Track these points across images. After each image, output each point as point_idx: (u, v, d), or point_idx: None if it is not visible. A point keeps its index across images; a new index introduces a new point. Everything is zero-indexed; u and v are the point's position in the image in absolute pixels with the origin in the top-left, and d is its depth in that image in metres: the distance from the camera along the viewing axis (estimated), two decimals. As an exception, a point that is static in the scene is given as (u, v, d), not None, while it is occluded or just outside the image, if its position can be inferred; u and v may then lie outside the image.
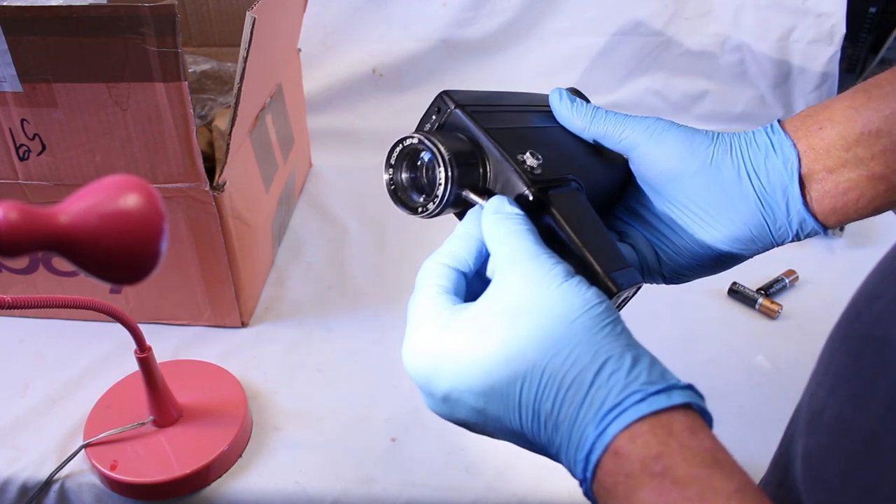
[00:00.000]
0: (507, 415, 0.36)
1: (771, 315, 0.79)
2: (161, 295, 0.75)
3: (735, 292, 0.81)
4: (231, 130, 0.66)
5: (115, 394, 0.67)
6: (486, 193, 0.43)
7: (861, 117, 0.44)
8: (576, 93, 0.51)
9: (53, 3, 0.62)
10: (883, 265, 0.32)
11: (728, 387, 0.71)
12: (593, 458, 0.33)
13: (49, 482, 0.61)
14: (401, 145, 0.43)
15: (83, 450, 0.62)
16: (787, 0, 1.07)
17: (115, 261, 0.32)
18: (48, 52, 0.60)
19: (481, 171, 0.43)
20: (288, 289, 0.84)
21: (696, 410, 0.34)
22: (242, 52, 0.63)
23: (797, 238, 0.47)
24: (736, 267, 0.50)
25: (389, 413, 0.68)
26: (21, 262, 0.75)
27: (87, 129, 0.64)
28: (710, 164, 0.46)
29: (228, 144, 0.67)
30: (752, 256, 0.49)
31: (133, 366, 0.60)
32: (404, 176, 0.44)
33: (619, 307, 0.45)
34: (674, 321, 0.78)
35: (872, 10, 1.10)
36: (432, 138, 0.42)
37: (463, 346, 0.36)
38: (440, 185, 0.41)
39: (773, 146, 0.46)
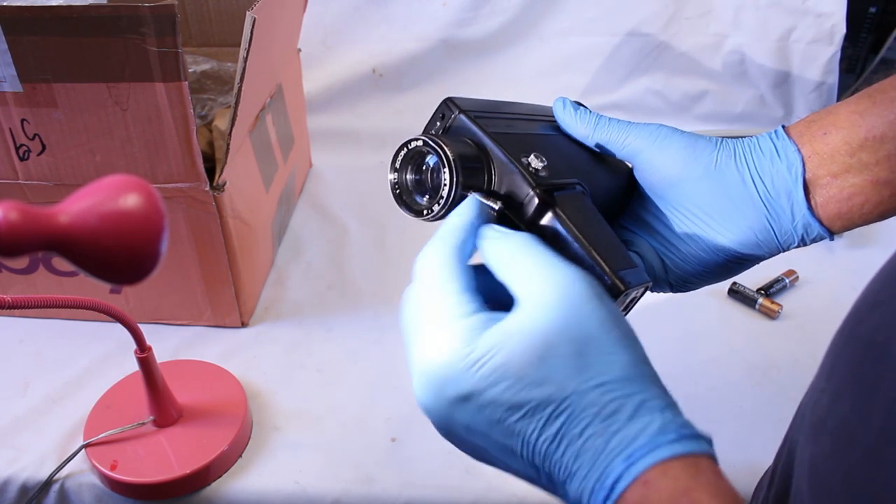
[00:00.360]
0: (524, 431, 0.36)
1: (771, 315, 0.79)
2: (161, 295, 0.75)
3: (735, 292, 0.81)
4: (231, 130, 0.66)
5: (115, 394, 0.67)
6: (492, 196, 0.43)
7: (865, 122, 0.44)
8: (579, 104, 0.51)
9: (53, 3, 0.62)
10: (886, 271, 0.32)
11: (728, 387, 0.71)
12: (620, 487, 0.33)
13: (49, 482, 0.61)
14: (405, 148, 0.43)
15: (83, 450, 0.62)
16: (787, 0, 1.07)
17: (115, 261, 0.32)
18: (48, 52, 0.60)
19: (486, 174, 0.43)
20: (288, 289, 0.84)
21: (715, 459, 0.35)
22: (242, 52, 0.63)
23: (803, 243, 0.47)
24: (737, 266, 0.50)
25: (389, 413, 0.68)
26: (21, 262, 0.75)
27: (87, 129, 0.64)
28: (714, 169, 0.46)
29: (228, 144, 0.67)
30: (757, 262, 0.49)
31: (133, 366, 0.60)
32: (409, 178, 0.44)
33: (628, 307, 0.45)
34: (674, 321, 0.78)
35: (872, 10, 1.10)
36: (437, 140, 0.42)
37: (500, 357, 0.35)
38: (445, 186, 0.41)
39: (777, 151, 0.46)
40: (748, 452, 0.63)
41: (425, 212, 0.43)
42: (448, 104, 0.45)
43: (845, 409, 0.30)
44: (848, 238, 0.90)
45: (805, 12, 1.07)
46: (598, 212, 0.46)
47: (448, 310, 0.37)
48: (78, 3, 0.59)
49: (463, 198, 0.42)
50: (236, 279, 0.74)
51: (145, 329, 0.59)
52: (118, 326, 0.57)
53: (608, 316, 0.36)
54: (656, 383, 0.36)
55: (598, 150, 0.49)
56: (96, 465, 0.60)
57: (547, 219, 0.42)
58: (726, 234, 0.47)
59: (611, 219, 0.52)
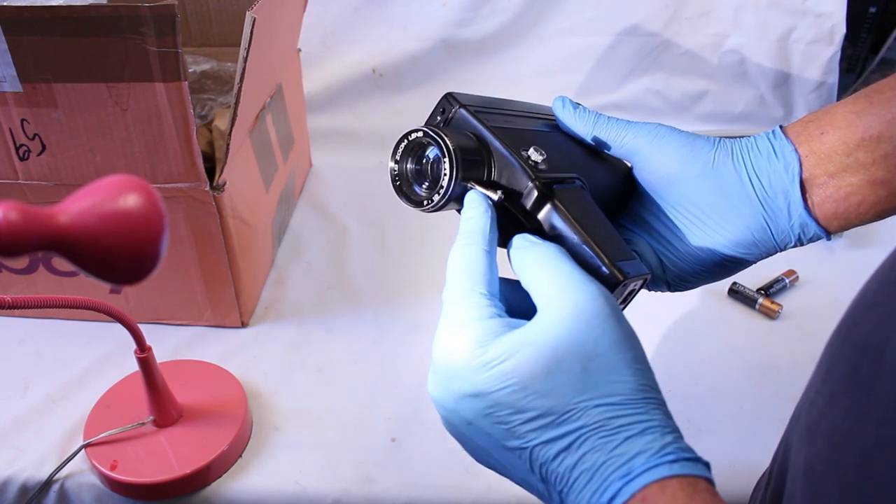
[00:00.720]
0: (525, 435, 0.37)
1: (771, 315, 0.79)
2: (161, 295, 0.75)
3: (735, 292, 0.81)
4: (231, 130, 0.66)
5: (115, 394, 0.67)
6: (492, 187, 0.43)
7: (862, 122, 0.44)
8: (578, 104, 0.51)
9: (53, 3, 0.62)
10: (881, 273, 0.32)
11: (728, 387, 0.71)
12: (618, 503, 0.34)
13: (49, 482, 0.61)
14: (406, 139, 0.43)
15: (83, 450, 0.62)
16: (787, 0, 1.07)
17: (115, 261, 0.32)
18: (48, 52, 0.60)
19: (486, 166, 0.43)
20: (288, 289, 0.84)
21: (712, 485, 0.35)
22: (242, 52, 0.63)
23: (800, 242, 0.47)
24: (737, 266, 0.50)
25: (389, 413, 0.68)
26: (21, 262, 0.75)
27: (87, 129, 0.64)
28: (712, 168, 0.46)
29: (228, 144, 0.67)
30: (755, 262, 0.49)
31: (133, 366, 0.60)
32: (409, 168, 0.44)
33: (627, 300, 0.45)
34: (674, 321, 0.78)
35: (872, 10, 1.10)
36: (438, 131, 0.42)
37: (510, 362, 0.36)
38: (445, 175, 0.42)
39: (774, 151, 0.46)
40: (748, 452, 0.63)
41: (425, 202, 0.43)
42: (448, 99, 0.46)
43: (840, 411, 0.30)
44: (848, 238, 0.90)
45: (805, 12, 1.07)
46: (598, 206, 0.46)
47: (468, 311, 0.38)
48: (78, 3, 0.59)
49: (462, 188, 0.42)
50: (236, 279, 0.74)
51: (145, 329, 0.59)
52: (118, 326, 0.57)
53: (622, 336, 0.37)
54: (661, 409, 0.37)
55: (596, 147, 0.50)
56: (96, 465, 0.60)
57: (545, 211, 0.43)
58: (723, 233, 0.47)
59: (610, 217, 0.52)
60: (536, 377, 0.36)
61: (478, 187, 0.42)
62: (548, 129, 0.49)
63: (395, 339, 0.77)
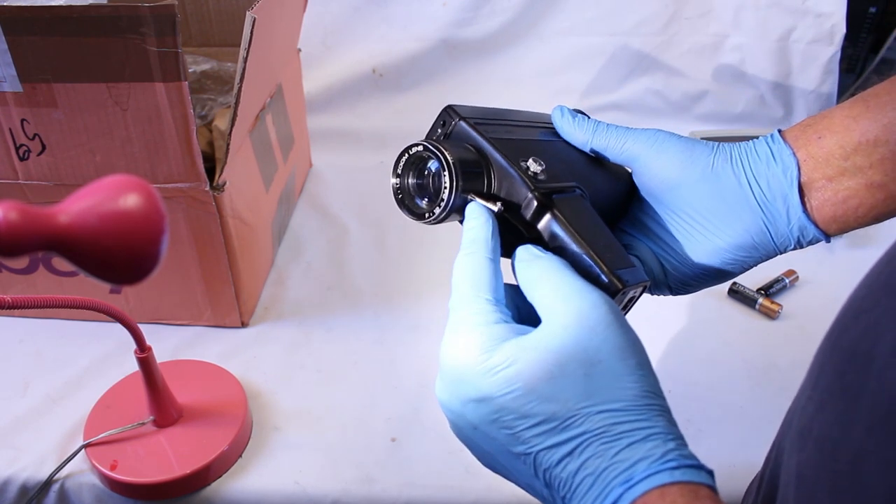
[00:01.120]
0: (529, 440, 0.37)
1: (771, 315, 0.79)
2: (161, 295, 0.75)
3: (735, 292, 0.81)
4: (231, 130, 0.66)
5: (115, 394, 0.67)
6: (492, 199, 0.43)
7: (859, 126, 0.44)
8: (577, 112, 0.52)
9: (53, 3, 0.62)
10: (869, 279, 0.32)
11: (728, 387, 0.71)
12: None
13: (49, 482, 0.61)
14: (407, 153, 0.44)
15: (83, 450, 0.62)
16: (787, 0, 1.07)
17: (115, 261, 0.32)
18: (48, 52, 0.60)
19: (486, 177, 0.44)
20: (288, 289, 0.84)
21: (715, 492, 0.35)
22: (242, 52, 0.63)
23: (799, 245, 0.48)
24: (736, 267, 0.50)
25: (389, 413, 0.68)
26: (21, 262, 0.75)
27: (87, 129, 0.64)
28: (711, 173, 0.47)
29: (228, 144, 0.67)
30: (755, 265, 0.49)
31: (133, 366, 0.60)
32: (411, 183, 0.45)
33: (627, 307, 0.45)
34: (674, 321, 0.78)
35: (872, 10, 1.10)
36: (437, 145, 0.43)
37: (514, 368, 0.37)
38: (446, 189, 0.42)
39: (773, 155, 0.46)
40: (748, 452, 0.63)
41: (426, 215, 0.44)
42: (449, 111, 0.47)
43: (830, 417, 0.31)
44: (848, 238, 0.90)
45: (805, 12, 1.07)
46: (597, 214, 0.46)
47: (474, 317, 0.39)
48: (78, 3, 0.59)
49: (463, 201, 0.43)
50: (236, 279, 0.74)
51: (145, 329, 0.59)
52: (118, 326, 0.57)
53: (625, 343, 0.37)
54: (664, 416, 0.37)
55: (596, 155, 0.50)
56: (96, 465, 0.60)
57: (545, 221, 0.43)
58: (723, 236, 0.47)
59: (610, 223, 0.52)
60: (540, 382, 0.36)
61: (478, 199, 0.43)
62: (548, 138, 0.50)
63: (395, 339, 0.77)
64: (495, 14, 1.13)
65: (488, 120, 0.47)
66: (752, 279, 0.81)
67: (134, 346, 0.58)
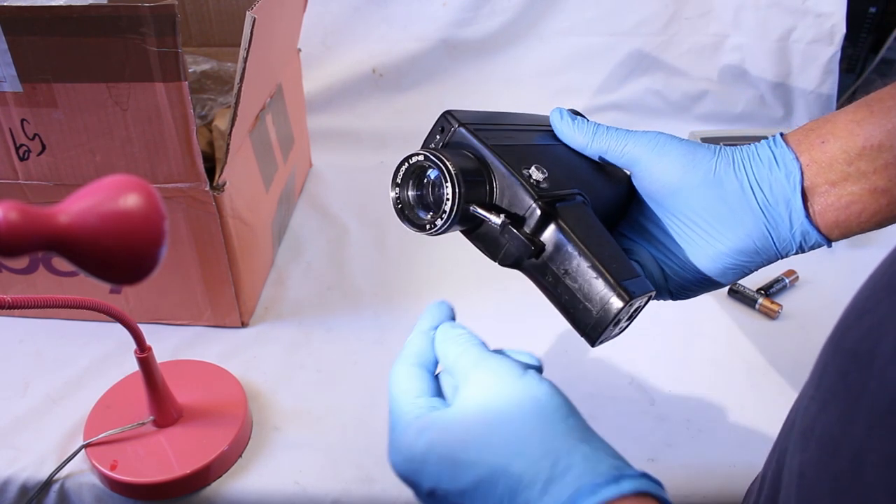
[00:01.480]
0: None
1: (771, 315, 0.79)
2: (161, 295, 0.75)
3: (735, 292, 0.81)
4: (231, 130, 0.66)
5: (115, 394, 0.67)
6: (494, 209, 0.43)
7: (863, 131, 0.44)
8: (576, 113, 0.51)
9: (53, 3, 0.62)
10: (873, 280, 0.32)
11: (728, 387, 0.71)
12: None
13: (49, 482, 0.61)
14: (407, 163, 0.43)
15: (83, 450, 0.62)
16: (787, 0, 1.07)
17: (115, 261, 0.32)
18: (48, 52, 0.60)
19: (488, 186, 0.43)
20: (288, 289, 0.84)
21: (652, 494, 0.35)
22: (242, 52, 0.63)
23: (801, 250, 0.47)
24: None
25: (389, 413, 0.68)
26: (21, 262, 0.75)
27: (87, 129, 0.64)
28: (713, 177, 0.46)
29: (228, 144, 0.67)
30: (756, 269, 0.49)
31: (133, 366, 0.60)
32: (411, 194, 0.44)
33: (632, 317, 0.45)
34: (674, 321, 0.78)
35: (872, 10, 1.10)
36: (439, 154, 0.42)
37: (435, 452, 0.38)
38: (447, 200, 0.41)
39: (775, 159, 0.46)
40: (748, 452, 0.63)
41: (428, 226, 0.43)
42: (447, 117, 0.46)
43: (832, 416, 0.31)
44: (848, 238, 0.89)
45: (805, 12, 1.07)
46: (599, 221, 0.46)
47: (400, 416, 0.41)
48: (78, 3, 0.59)
49: (465, 211, 0.42)
50: (236, 279, 0.74)
51: (145, 329, 0.59)
52: (118, 326, 0.57)
53: (523, 391, 0.38)
54: (573, 435, 0.36)
55: (596, 159, 0.49)
56: (96, 465, 0.60)
57: (550, 230, 0.42)
58: (725, 241, 0.47)
59: (611, 226, 0.52)
60: (457, 453, 0.37)
61: (480, 210, 0.42)
62: (547, 142, 0.49)
63: (395, 339, 0.77)
64: (495, 14, 1.13)
65: (487, 125, 0.46)
66: (752, 279, 0.81)
67: (134, 346, 0.58)
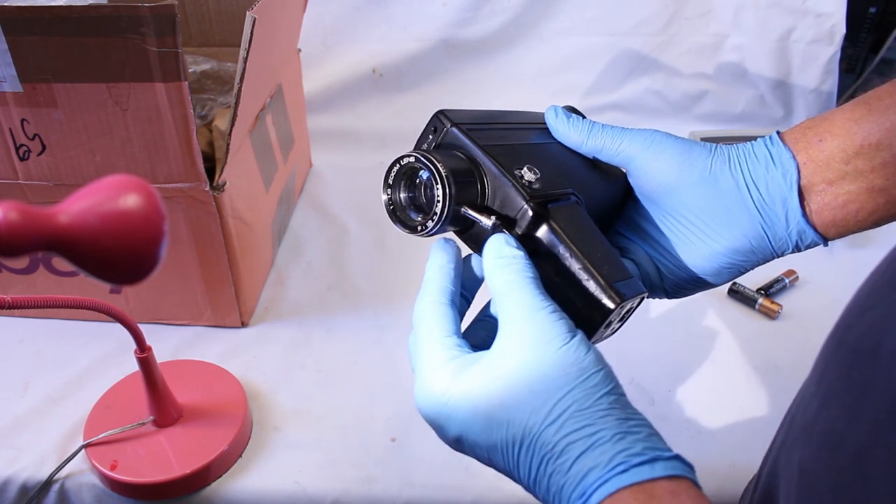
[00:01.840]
0: (508, 469, 0.38)
1: (771, 315, 0.79)
2: (161, 295, 0.75)
3: (735, 292, 0.81)
4: (231, 130, 0.66)
5: (115, 394, 0.67)
6: (486, 210, 0.43)
7: (861, 130, 0.44)
8: (572, 110, 0.51)
9: (53, 3, 0.62)
10: (874, 277, 0.32)
11: (728, 387, 0.71)
12: None
13: (49, 482, 0.61)
14: (398, 164, 0.43)
15: (83, 450, 0.62)
16: (787, 0, 1.07)
17: (115, 261, 0.32)
18: (48, 52, 0.60)
19: (479, 187, 0.43)
20: (288, 289, 0.84)
21: (683, 476, 0.35)
22: (242, 52, 0.63)
23: (797, 249, 0.47)
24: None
25: (389, 413, 0.68)
26: (21, 262, 0.75)
27: (87, 129, 0.64)
28: (709, 176, 0.46)
29: (228, 144, 0.67)
30: (752, 268, 0.49)
31: (133, 366, 0.60)
32: (402, 195, 0.44)
33: (624, 318, 0.45)
34: (674, 321, 0.78)
35: (872, 10, 1.10)
36: (429, 156, 0.42)
37: (470, 402, 0.38)
38: (438, 202, 0.41)
39: (772, 158, 0.46)
40: (748, 452, 0.63)
41: (419, 228, 0.43)
42: (440, 117, 0.45)
43: (835, 412, 0.30)
44: (847, 238, 0.89)
45: (805, 12, 1.07)
46: (593, 221, 0.45)
47: (431, 356, 0.40)
48: (78, 3, 0.59)
49: (456, 213, 0.42)
50: (236, 279, 0.74)
51: (145, 329, 0.59)
52: (118, 326, 0.57)
53: (569, 357, 0.38)
54: (613, 412, 0.36)
55: (591, 157, 0.49)
56: (96, 465, 0.60)
57: (542, 232, 0.42)
58: (720, 240, 0.47)
59: (606, 226, 0.52)
60: (495, 408, 0.37)
61: (471, 212, 0.42)
62: (542, 140, 0.49)
63: (395, 339, 0.77)
64: (495, 14, 1.13)
65: (481, 125, 0.46)
66: (752, 279, 0.81)
67: (134, 346, 0.58)
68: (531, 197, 0.42)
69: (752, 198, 0.46)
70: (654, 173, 0.47)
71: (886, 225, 0.47)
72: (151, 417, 0.62)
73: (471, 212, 0.42)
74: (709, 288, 0.50)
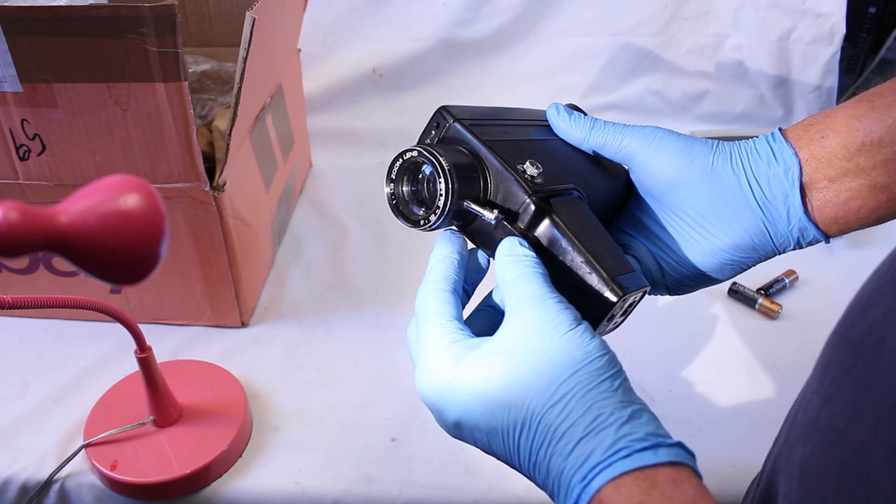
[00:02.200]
0: (507, 453, 0.38)
1: (771, 315, 0.79)
2: (161, 295, 0.75)
3: (735, 292, 0.81)
4: (231, 130, 0.66)
5: (115, 394, 0.67)
6: (488, 204, 0.43)
7: (863, 127, 0.44)
8: (574, 107, 0.51)
9: (53, 3, 0.62)
10: (877, 274, 0.32)
11: (728, 387, 0.71)
12: None
13: (49, 482, 0.61)
14: (401, 159, 0.43)
15: (83, 450, 0.62)
16: (787, 0, 1.07)
17: (115, 261, 0.32)
18: (48, 52, 0.60)
19: (482, 182, 0.43)
20: (288, 289, 0.84)
21: (684, 464, 0.35)
22: (242, 52, 0.63)
23: (799, 246, 0.47)
24: (736, 266, 0.50)
25: (389, 413, 0.68)
26: (21, 262, 0.75)
27: (87, 129, 0.64)
28: (711, 172, 0.46)
29: (228, 144, 0.67)
30: (753, 265, 0.49)
31: (133, 366, 0.60)
32: (405, 189, 0.44)
33: (627, 312, 0.45)
34: (674, 321, 0.78)
35: (872, 10, 1.10)
36: (432, 150, 0.42)
37: (472, 385, 0.38)
38: (441, 196, 0.41)
39: (774, 154, 0.46)
40: (747, 452, 0.63)
41: (422, 222, 0.43)
42: (442, 112, 0.45)
43: (837, 409, 0.31)
44: (848, 238, 0.90)
45: (805, 12, 1.07)
46: (595, 216, 0.45)
47: (434, 340, 0.40)
48: (78, 3, 0.59)
49: (459, 207, 0.42)
50: (236, 279, 0.74)
51: (145, 329, 0.59)
52: (118, 326, 0.57)
53: (574, 341, 0.38)
54: (616, 396, 0.37)
55: (593, 154, 0.49)
56: (96, 465, 0.60)
57: (544, 226, 0.42)
58: (722, 237, 0.47)
59: (608, 222, 0.52)
60: (498, 391, 0.37)
61: (474, 206, 0.42)
62: (544, 137, 0.49)
63: (395, 339, 0.77)
64: (495, 14, 1.13)
65: (483, 120, 0.46)
66: (752, 279, 0.81)
67: (134, 346, 0.58)
68: (533, 191, 0.42)
69: (753, 194, 0.46)
70: (655, 170, 0.47)
71: (887, 225, 0.47)
72: (151, 417, 0.62)
73: (473, 206, 0.42)
74: (711, 284, 0.50)
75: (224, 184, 0.68)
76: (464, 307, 0.45)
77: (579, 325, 0.38)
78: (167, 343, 0.74)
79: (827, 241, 0.47)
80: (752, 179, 0.46)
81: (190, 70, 0.87)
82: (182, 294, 0.75)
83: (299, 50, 0.99)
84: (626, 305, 0.43)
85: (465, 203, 0.42)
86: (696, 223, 0.47)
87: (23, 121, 0.64)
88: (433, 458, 0.64)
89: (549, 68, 1.16)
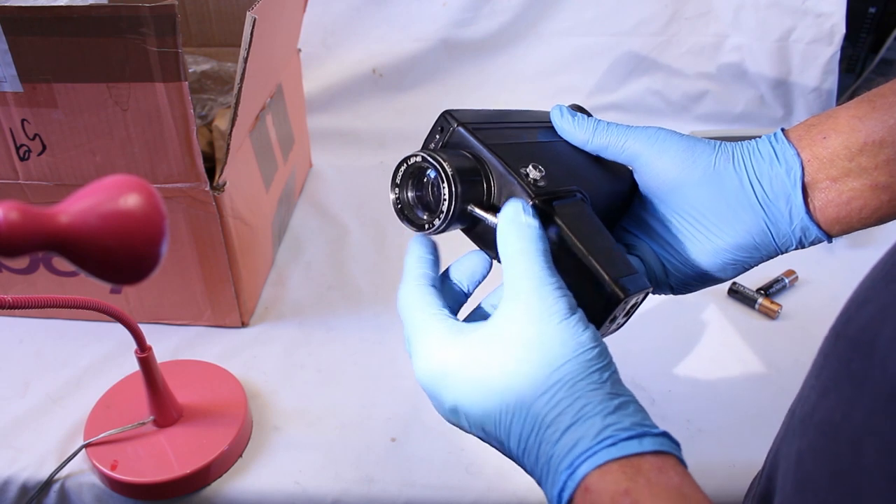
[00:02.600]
0: (499, 439, 0.38)
1: (771, 315, 0.79)
2: (161, 295, 0.75)
3: (735, 292, 0.81)
4: (231, 130, 0.66)
5: (115, 394, 0.67)
6: (492, 208, 0.43)
7: (865, 127, 0.44)
8: (578, 108, 0.51)
9: (53, 3, 0.62)
10: (874, 271, 0.32)
11: (728, 387, 0.71)
12: (565, 496, 0.35)
13: (49, 482, 0.61)
14: (405, 164, 0.44)
15: (83, 450, 0.62)
16: (787, 0, 1.07)
17: (115, 261, 0.32)
18: (48, 52, 0.60)
19: (485, 186, 0.44)
20: (288, 289, 0.84)
21: (669, 453, 0.36)
22: (242, 52, 0.63)
23: (801, 246, 0.48)
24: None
25: (389, 413, 0.68)
26: (21, 262, 0.75)
27: (87, 129, 0.64)
28: (713, 173, 0.47)
29: (228, 144, 0.67)
30: (756, 265, 0.49)
31: (133, 366, 0.60)
32: (410, 194, 0.45)
33: (629, 313, 0.45)
34: (674, 321, 0.78)
35: (872, 10, 1.10)
36: (435, 155, 0.42)
37: (466, 370, 0.39)
38: (445, 200, 0.42)
39: (776, 155, 0.46)
40: (747, 452, 0.63)
41: (426, 226, 0.44)
42: (446, 117, 0.46)
43: (832, 403, 0.31)
44: (848, 238, 0.90)
45: (805, 12, 1.07)
46: (598, 218, 0.46)
47: (428, 330, 0.41)
48: (78, 3, 0.59)
49: (463, 211, 0.43)
50: (236, 279, 0.74)
51: (145, 329, 0.59)
52: (118, 326, 0.57)
53: (568, 331, 0.38)
54: (605, 388, 0.37)
55: (596, 155, 0.50)
56: (96, 465, 0.60)
57: (547, 228, 0.43)
58: (725, 237, 0.47)
59: (612, 222, 0.52)
60: (489, 377, 0.38)
61: (477, 210, 0.43)
62: (548, 139, 0.50)
63: (395, 339, 0.77)
64: (495, 14, 1.13)
65: (487, 124, 0.47)
66: (752, 279, 0.81)
67: (134, 346, 0.58)
68: (536, 195, 0.43)
69: (755, 194, 0.46)
70: (658, 171, 0.48)
71: (887, 225, 0.47)
72: (151, 417, 0.62)
73: (477, 210, 0.43)
74: (714, 284, 0.50)
75: (224, 184, 0.68)
76: (462, 305, 0.46)
77: (574, 314, 0.39)
78: (167, 343, 0.74)
79: (829, 241, 0.47)
80: (755, 180, 0.46)
81: (190, 70, 0.87)
82: (182, 294, 0.75)
83: (299, 50, 0.99)
84: (627, 307, 0.44)
85: (469, 207, 0.43)
86: (699, 223, 0.48)
87: (23, 121, 0.64)
88: (433, 458, 0.64)
89: (549, 68, 1.16)
